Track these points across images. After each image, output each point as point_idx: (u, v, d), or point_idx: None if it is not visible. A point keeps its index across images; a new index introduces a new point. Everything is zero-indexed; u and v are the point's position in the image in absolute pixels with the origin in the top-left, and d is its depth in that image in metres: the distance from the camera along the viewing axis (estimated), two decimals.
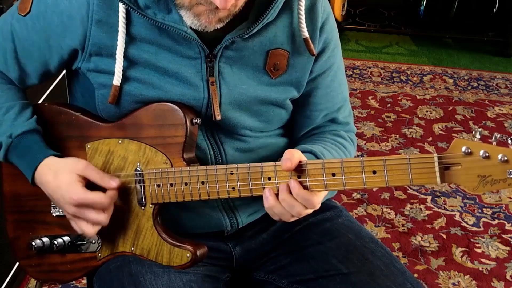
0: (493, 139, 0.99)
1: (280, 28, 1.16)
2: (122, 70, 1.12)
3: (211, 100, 1.15)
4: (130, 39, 1.12)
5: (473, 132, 1.00)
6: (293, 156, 1.06)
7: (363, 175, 1.04)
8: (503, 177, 0.96)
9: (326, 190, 1.08)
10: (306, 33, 1.16)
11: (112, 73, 1.12)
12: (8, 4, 1.83)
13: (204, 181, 1.11)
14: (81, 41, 1.13)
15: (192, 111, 1.15)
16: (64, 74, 1.37)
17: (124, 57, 1.11)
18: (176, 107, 1.13)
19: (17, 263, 1.93)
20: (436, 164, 0.99)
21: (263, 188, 1.09)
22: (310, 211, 1.09)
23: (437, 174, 1.00)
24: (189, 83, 1.14)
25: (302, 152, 1.13)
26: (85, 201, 1.11)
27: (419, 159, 1.01)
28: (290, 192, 1.07)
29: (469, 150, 0.98)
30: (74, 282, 2.06)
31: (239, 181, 1.10)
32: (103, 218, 1.13)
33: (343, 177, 1.05)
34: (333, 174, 1.06)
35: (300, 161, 1.07)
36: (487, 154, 0.97)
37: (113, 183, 1.13)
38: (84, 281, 1.93)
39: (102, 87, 1.15)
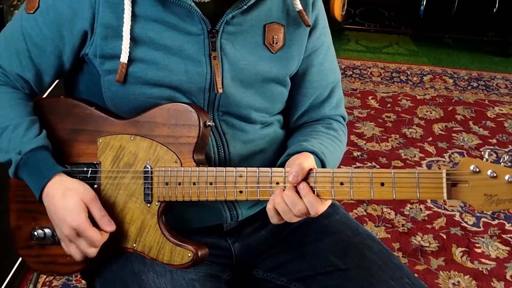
0: (501, 160, 1.00)
1: (275, 3, 1.21)
2: (128, 50, 1.15)
3: (213, 75, 1.17)
4: (135, 18, 1.15)
5: (482, 152, 1.03)
6: (302, 170, 1.08)
7: (371, 187, 1.05)
8: (509, 197, 0.98)
9: (333, 199, 1.10)
10: (299, 6, 1.22)
11: (117, 58, 1.14)
12: (8, 4, 1.83)
13: (213, 182, 1.12)
14: (90, 23, 1.15)
15: (205, 113, 1.18)
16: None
17: (130, 36, 1.14)
18: (191, 108, 1.15)
19: (17, 264, 1.93)
20: (444, 180, 1.01)
21: (271, 194, 1.10)
22: (311, 215, 1.09)
23: (444, 190, 1.01)
24: (192, 59, 1.17)
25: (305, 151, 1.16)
26: (83, 232, 1.13)
27: (427, 174, 1.03)
28: (296, 191, 1.08)
29: (477, 169, 0.99)
30: (74, 282, 2.06)
31: (248, 183, 1.11)
32: (92, 252, 1.15)
33: (351, 186, 1.06)
34: (341, 183, 1.07)
35: (310, 169, 1.09)
36: (494, 174, 0.98)
37: (110, 227, 1.15)
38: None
39: (108, 73, 1.17)
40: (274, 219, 1.12)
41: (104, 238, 1.15)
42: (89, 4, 1.14)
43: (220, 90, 1.17)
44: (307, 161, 1.11)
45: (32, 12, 1.19)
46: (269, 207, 1.10)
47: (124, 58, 1.14)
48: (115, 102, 1.19)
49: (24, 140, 1.18)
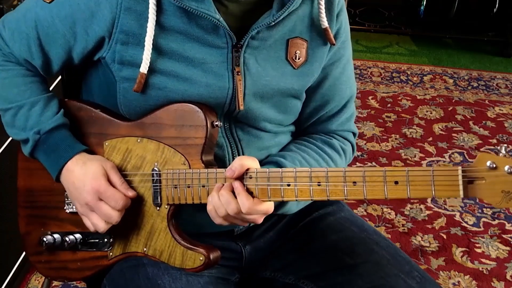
0: None
1: (300, 17, 1.17)
2: (150, 60, 1.11)
3: (235, 91, 1.14)
4: (159, 28, 1.11)
5: (499, 147, 0.97)
6: (242, 166, 1.08)
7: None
8: None
9: (269, 200, 1.08)
10: (326, 23, 1.17)
11: (137, 66, 1.11)
12: (8, 4, 1.83)
13: (223, 184, 1.09)
14: (108, 28, 1.11)
15: (213, 113, 1.14)
16: (63, 74, 1.37)
17: (152, 45, 1.10)
18: (198, 109, 1.12)
19: (17, 264, 1.93)
20: (460, 177, 0.97)
21: (282, 195, 1.07)
22: (248, 217, 1.08)
23: (461, 187, 0.97)
24: (215, 73, 1.14)
25: (270, 162, 1.16)
26: (105, 192, 1.12)
27: (443, 172, 0.98)
28: (232, 191, 1.07)
29: (494, 165, 0.95)
30: (74, 282, 2.06)
31: (258, 186, 1.08)
32: (115, 215, 1.12)
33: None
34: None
35: (248, 169, 1.08)
36: None
37: (130, 192, 1.14)
38: None
39: (125, 80, 1.14)
40: (216, 220, 1.11)
41: (127, 201, 1.13)
42: (109, 9, 1.10)
43: (242, 107, 1.15)
44: (249, 161, 1.10)
45: (48, 1, 1.15)
46: (209, 208, 1.09)
47: (144, 68, 1.10)
48: (128, 109, 1.17)
49: (42, 119, 1.17)
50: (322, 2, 1.16)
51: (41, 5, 1.17)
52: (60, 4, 1.15)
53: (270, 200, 1.08)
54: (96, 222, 1.14)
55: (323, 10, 1.16)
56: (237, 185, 1.07)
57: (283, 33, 1.16)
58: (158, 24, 1.11)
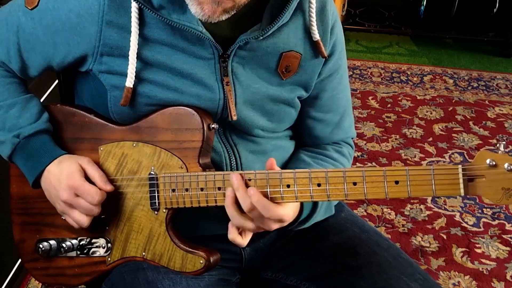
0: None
1: (292, 30, 1.15)
2: (136, 72, 1.10)
3: (226, 101, 1.13)
4: (143, 40, 1.10)
5: (497, 145, 0.98)
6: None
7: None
8: None
9: (282, 202, 1.07)
10: (317, 36, 1.16)
11: (125, 74, 1.10)
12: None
13: (221, 187, 1.08)
14: (91, 42, 1.11)
15: (208, 115, 1.14)
16: (61, 76, 1.37)
17: (137, 58, 1.10)
18: (194, 112, 1.11)
19: (17, 263, 1.93)
20: (461, 175, 0.98)
21: (282, 197, 1.06)
22: (274, 225, 1.06)
23: (461, 185, 0.98)
24: (204, 84, 1.13)
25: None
26: (79, 187, 1.11)
27: (441, 170, 0.99)
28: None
29: (494, 163, 0.97)
30: None
31: (257, 188, 1.06)
32: (94, 208, 1.12)
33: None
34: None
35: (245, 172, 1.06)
36: (511, 167, 0.96)
37: (107, 186, 1.13)
38: None
39: (115, 88, 1.13)
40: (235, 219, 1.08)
41: (103, 195, 1.12)
42: (91, 22, 1.09)
43: (235, 118, 1.14)
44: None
45: (30, 8, 1.14)
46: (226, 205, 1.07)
47: (129, 82, 1.10)
48: (120, 116, 1.16)
49: (21, 122, 1.17)
50: (313, 14, 1.15)
51: (23, 11, 1.15)
52: (42, 12, 1.13)
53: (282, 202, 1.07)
54: (78, 218, 1.14)
55: (314, 23, 1.16)
56: (253, 192, 1.04)
57: (276, 46, 1.15)
58: (142, 36, 1.10)
